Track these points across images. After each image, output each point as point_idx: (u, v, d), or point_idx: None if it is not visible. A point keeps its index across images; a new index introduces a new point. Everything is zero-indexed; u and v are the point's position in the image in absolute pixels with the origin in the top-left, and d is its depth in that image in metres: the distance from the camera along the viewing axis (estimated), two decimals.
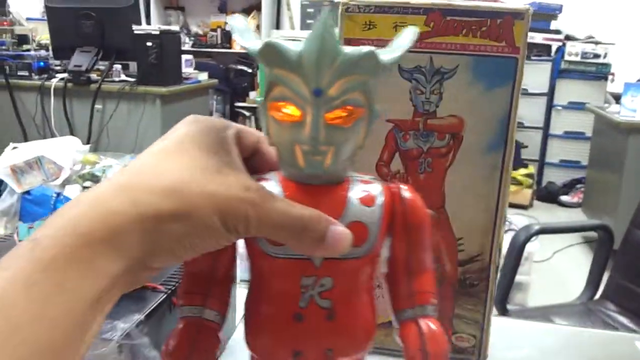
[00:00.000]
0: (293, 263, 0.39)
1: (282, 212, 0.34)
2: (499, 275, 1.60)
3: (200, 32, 5.40)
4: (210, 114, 4.71)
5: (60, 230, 0.30)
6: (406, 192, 0.42)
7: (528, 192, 4.01)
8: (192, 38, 5.35)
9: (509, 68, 0.57)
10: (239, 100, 5.30)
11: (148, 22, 4.97)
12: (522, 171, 4.06)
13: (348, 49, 0.36)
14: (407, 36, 0.40)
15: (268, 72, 0.37)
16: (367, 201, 0.40)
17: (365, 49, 0.36)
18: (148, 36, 3.29)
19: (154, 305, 0.47)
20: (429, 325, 0.41)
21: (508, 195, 0.62)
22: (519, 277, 2.54)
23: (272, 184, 0.39)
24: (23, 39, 3.69)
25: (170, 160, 0.34)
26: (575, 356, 0.71)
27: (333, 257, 0.38)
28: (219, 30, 5.26)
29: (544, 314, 1.49)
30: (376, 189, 0.41)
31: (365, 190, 0.40)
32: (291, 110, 0.37)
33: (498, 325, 0.74)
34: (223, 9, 5.43)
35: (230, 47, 5.22)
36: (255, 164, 0.40)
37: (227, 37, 5.22)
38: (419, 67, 0.59)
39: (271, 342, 0.41)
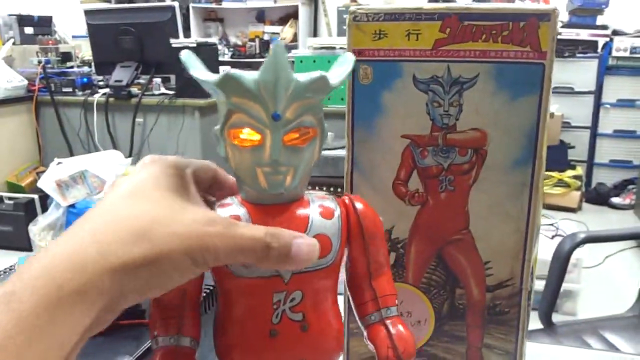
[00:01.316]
0: (263, 281, 0.41)
1: (247, 236, 0.35)
2: (543, 286, 1.51)
3: (239, 43, 5.45)
4: None
5: (35, 280, 0.30)
6: (357, 202, 0.45)
7: (576, 195, 3.84)
8: (231, 49, 5.40)
9: (536, 75, 0.52)
10: None
11: (188, 35, 5.05)
12: (570, 172, 3.90)
13: (300, 76, 0.39)
14: (347, 58, 0.43)
15: (225, 101, 0.39)
16: (327, 214, 0.43)
17: (316, 74, 0.39)
18: (185, 49, 3.32)
19: (147, 346, 0.44)
20: (396, 325, 0.44)
21: (540, 215, 0.56)
22: (567, 285, 2.43)
23: (235, 208, 0.41)
24: (67, 57, 3.80)
25: (137, 204, 0.34)
26: None
27: (301, 271, 0.41)
28: (257, 40, 5.29)
29: (593, 327, 1.40)
30: (332, 202, 0.44)
31: (322, 205, 0.43)
32: (250, 134, 0.39)
33: (533, 352, 0.68)
34: (261, 19, 5.46)
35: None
36: (214, 193, 0.43)
37: (265, 46, 5.24)
38: (436, 77, 0.54)
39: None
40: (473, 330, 0.60)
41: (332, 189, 1.82)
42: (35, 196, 3.25)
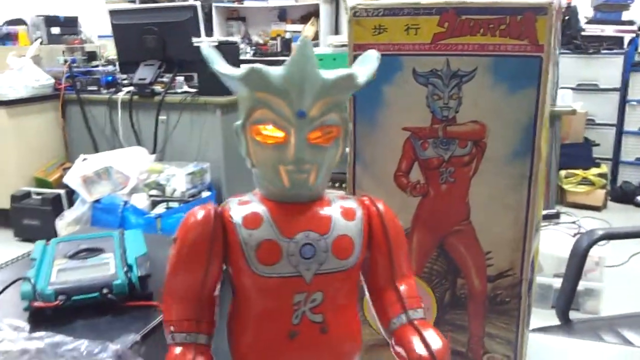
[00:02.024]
0: (285, 281, 0.40)
1: None
2: (561, 284, 1.50)
3: (261, 41, 5.48)
4: None
5: None
6: (379, 203, 0.45)
7: (601, 193, 3.78)
8: (253, 47, 5.44)
9: (533, 68, 0.53)
10: None
11: (210, 34, 5.10)
12: (594, 170, 3.84)
13: (327, 73, 0.38)
14: (372, 58, 0.43)
15: (249, 96, 0.38)
16: (349, 215, 0.42)
17: (344, 71, 0.38)
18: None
19: (154, 325, 0.47)
20: (427, 327, 0.43)
21: (539, 206, 0.57)
22: (589, 284, 2.40)
23: (255, 205, 0.41)
24: (92, 56, 3.87)
25: None
26: None
27: (323, 272, 0.40)
28: (278, 38, 5.31)
29: (611, 324, 1.38)
30: (353, 203, 0.43)
31: (343, 206, 0.42)
32: (273, 131, 0.39)
33: (537, 342, 0.69)
34: (283, 18, 5.49)
35: (290, 55, 5.27)
36: None
37: (286, 45, 5.27)
38: (435, 71, 0.55)
39: None
40: (475, 319, 0.61)
41: (336, 184, 1.82)
42: (62, 191, 3.33)
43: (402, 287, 0.44)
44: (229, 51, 3.50)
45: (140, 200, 3.22)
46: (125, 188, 3.29)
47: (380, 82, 0.57)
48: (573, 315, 1.46)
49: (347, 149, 0.44)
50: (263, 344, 0.41)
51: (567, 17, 4.08)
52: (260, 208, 0.41)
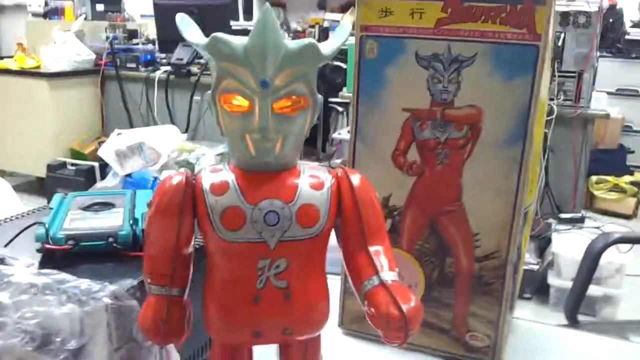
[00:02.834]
0: (249, 246, 0.42)
1: None
2: (571, 285, 1.50)
3: (299, 29, 5.50)
4: None
5: None
6: (351, 172, 0.45)
7: (632, 201, 3.70)
8: (292, 34, 5.47)
9: (530, 56, 0.55)
10: (333, 95, 5.35)
11: (250, 18, 5.15)
12: (627, 178, 3.75)
13: (290, 42, 0.39)
14: (344, 27, 0.44)
15: (216, 65, 0.40)
16: (317, 186, 0.43)
17: (306, 40, 0.40)
18: (244, 32, 3.41)
19: None
20: (399, 287, 0.42)
21: (527, 191, 0.59)
22: (608, 290, 2.37)
23: (224, 173, 0.43)
24: (133, 34, 3.96)
25: None
26: None
27: (287, 239, 0.42)
28: (317, 26, 5.33)
29: (619, 328, 1.38)
30: (323, 173, 0.44)
31: (314, 176, 0.43)
32: (240, 101, 0.40)
33: (526, 328, 0.71)
34: (322, 6, 5.50)
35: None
36: None
37: (324, 33, 5.28)
38: (437, 55, 0.58)
39: (231, 324, 0.43)
40: (460, 298, 0.63)
41: None
42: (96, 164, 3.43)
43: (374, 250, 0.44)
44: None
45: None
46: (156, 164, 3.36)
47: (384, 63, 0.60)
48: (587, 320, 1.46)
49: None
50: (229, 307, 0.43)
51: (610, 20, 3.99)
52: (229, 176, 0.42)
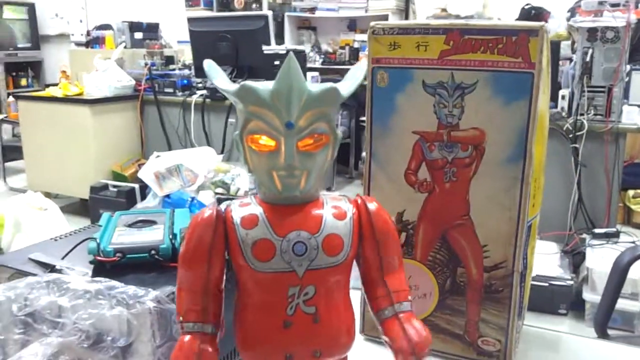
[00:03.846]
0: (279, 276, 0.45)
1: None
2: (600, 299, 1.51)
3: (330, 50, 5.62)
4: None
5: None
6: (370, 203, 0.48)
7: None
8: (322, 56, 5.58)
9: (526, 83, 0.60)
10: (364, 114, 5.42)
11: (282, 42, 5.29)
12: None
13: (313, 86, 0.42)
14: (360, 69, 0.47)
15: (243, 109, 0.43)
16: (340, 216, 0.46)
17: (327, 85, 0.43)
18: (276, 55, 3.52)
19: None
20: (410, 319, 0.47)
21: (530, 206, 0.64)
22: None
23: (253, 207, 0.46)
24: (170, 60, 4.13)
25: None
26: None
27: (314, 267, 0.45)
28: (347, 47, 5.43)
29: None
30: (345, 204, 0.47)
31: (336, 207, 0.47)
32: (266, 141, 0.43)
33: (535, 336, 0.75)
34: (352, 28, 5.60)
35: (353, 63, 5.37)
36: None
37: (354, 54, 5.38)
38: (442, 83, 0.64)
39: (265, 348, 0.46)
40: (471, 305, 0.68)
41: None
42: (136, 185, 3.56)
43: (390, 281, 0.48)
44: (296, 59, 3.64)
45: (207, 197, 3.40)
46: (194, 185, 3.47)
47: (394, 91, 0.66)
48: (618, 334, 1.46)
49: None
50: (261, 332, 0.46)
51: None
52: (257, 210, 0.45)
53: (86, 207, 3.66)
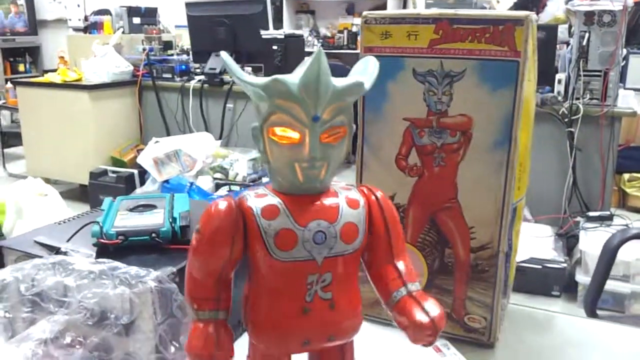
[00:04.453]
0: (300, 264, 0.46)
1: None
2: (590, 280, 1.55)
3: (329, 34, 5.61)
4: None
5: None
6: (377, 192, 0.50)
7: None
8: (321, 40, 5.58)
9: (512, 70, 0.62)
10: None
11: (280, 26, 5.28)
12: None
13: (338, 81, 0.43)
14: (372, 62, 0.48)
15: (268, 102, 0.44)
16: (354, 205, 0.48)
17: (353, 79, 0.44)
18: (274, 40, 3.53)
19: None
20: (425, 296, 0.48)
21: (515, 189, 0.66)
22: (635, 287, 2.39)
23: (270, 198, 0.47)
24: (168, 45, 4.13)
25: None
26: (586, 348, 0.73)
27: (332, 255, 0.46)
28: (345, 31, 5.43)
29: (637, 322, 1.42)
30: (356, 193, 0.49)
31: (349, 196, 0.48)
32: (290, 133, 0.44)
33: (521, 314, 0.78)
34: (350, 11, 5.59)
35: (355, 48, 5.37)
36: None
37: (353, 38, 5.37)
38: (431, 71, 0.66)
39: (284, 334, 0.47)
40: (459, 284, 0.71)
41: None
42: (135, 171, 3.58)
43: (400, 264, 0.49)
44: (295, 44, 3.65)
45: (205, 182, 3.43)
46: (192, 170, 3.50)
47: (385, 79, 0.68)
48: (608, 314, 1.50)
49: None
50: (280, 319, 0.47)
51: None
52: (275, 200, 0.46)
53: (86, 193, 3.69)
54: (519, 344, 0.73)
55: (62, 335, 0.54)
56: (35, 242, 0.65)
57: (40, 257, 0.60)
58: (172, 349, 0.55)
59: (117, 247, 0.62)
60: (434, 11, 0.64)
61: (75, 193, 3.93)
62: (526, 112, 0.65)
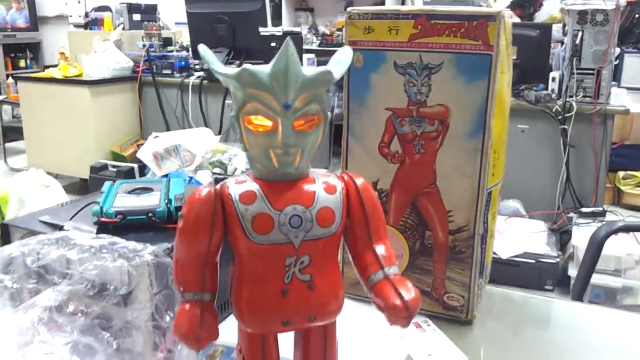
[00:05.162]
0: (277, 247, 0.48)
1: None
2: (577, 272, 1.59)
3: (327, 32, 5.64)
4: (332, 109, 4.93)
5: None
6: (355, 177, 0.52)
7: None
8: (320, 38, 5.61)
9: (485, 63, 0.67)
10: None
11: (279, 23, 5.31)
12: None
13: (307, 70, 0.45)
14: (347, 53, 0.50)
15: (241, 91, 0.46)
16: (330, 190, 0.50)
17: (321, 68, 0.46)
18: (272, 37, 3.57)
19: None
20: (401, 280, 0.50)
21: (490, 175, 0.71)
22: (628, 282, 2.44)
23: (249, 184, 0.48)
24: (168, 42, 4.17)
25: None
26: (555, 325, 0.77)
27: (309, 238, 0.48)
28: (344, 29, 5.46)
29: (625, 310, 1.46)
30: (334, 179, 0.51)
31: (326, 182, 0.50)
32: (263, 121, 0.46)
33: (500, 295, 0.82)
34: None
35: None
36: None
37: None
38: (411, 63, 0.70)
39: (264, 315, 0.49)
40: (438, 265, 0.75)
41: None
42: (135, 165, 3.63)
43: (379, 248, 0.51)
44: (293, 41, 3.68)
45: (204, 177, 3.46)
46: (191, 165, 3.54)
47: (369, 71, 0.72)
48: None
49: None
50: (261, 301, 0.48)
51: (636, 15, 4.00)
52: (253, 186, 0.47)
53: (86, 187, 3.73)
54: (495, 321, 0.77)
55: (66, 304, 0.59)
56: (40, 221, 0.69)
57: (45, 234, 0.64)
58: (167, 318, 0.59)
59: (115, 226, 0.66)
60: (413, 7, 0.69)
61: (76, 187, 3.98)
62: (500, 102, 0.70)
